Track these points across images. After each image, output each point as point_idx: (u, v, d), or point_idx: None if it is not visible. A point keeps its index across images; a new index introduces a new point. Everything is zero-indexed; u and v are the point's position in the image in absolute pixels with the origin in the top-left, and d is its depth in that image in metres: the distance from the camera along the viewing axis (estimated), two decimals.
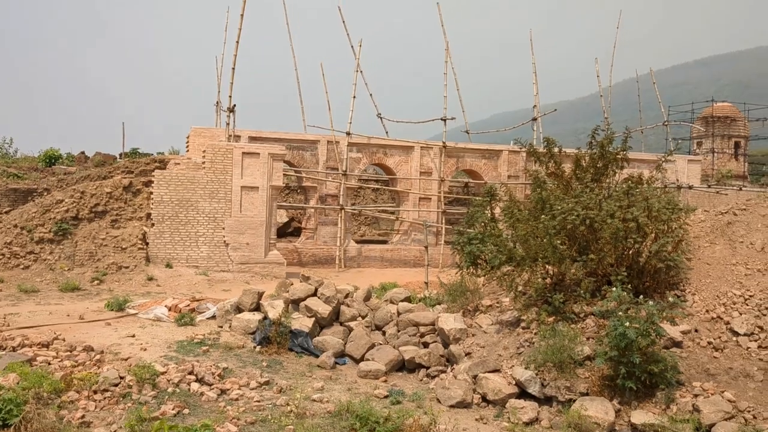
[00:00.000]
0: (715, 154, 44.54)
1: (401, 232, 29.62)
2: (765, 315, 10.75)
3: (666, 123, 36.00)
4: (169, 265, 21.70)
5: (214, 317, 15.02)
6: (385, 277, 23.35)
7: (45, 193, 25.03)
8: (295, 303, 14.35)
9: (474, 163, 30.79)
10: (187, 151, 27.26)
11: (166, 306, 15.73)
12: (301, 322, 13.47)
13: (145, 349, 12.23)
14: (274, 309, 13.76)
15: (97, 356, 11.70)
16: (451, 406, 10.39)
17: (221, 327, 14.20)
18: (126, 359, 11.50)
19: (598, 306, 10.92)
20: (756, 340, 10.49)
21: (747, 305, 11.07)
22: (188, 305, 15.78)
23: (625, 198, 12.17)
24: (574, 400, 9.83)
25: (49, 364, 10.92)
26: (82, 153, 37.36)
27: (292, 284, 15.29)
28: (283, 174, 24.83)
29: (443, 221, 29.43)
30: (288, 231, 32.12)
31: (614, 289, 10.57)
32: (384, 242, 30.89)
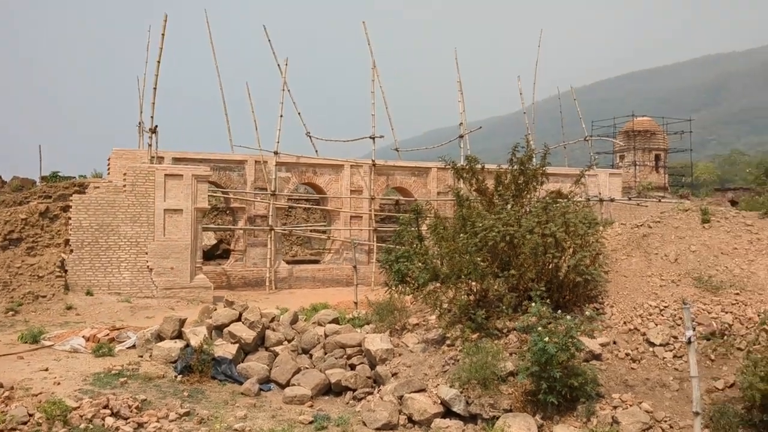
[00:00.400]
0: (637, 167, 46.11)
1: (333, 251, 29.44)
2: (679, 325, 11.04)
3: (587, 138, 37.04)
4: (89, 293, 20.89)
5: (134, 346, 14.49)
6: (317, 297, 23.10)
7: None
8: (218, 329, 13.99)
9: (404, 180, 30.94)
10: (109, 173, 26.45)
11: (83, 336, 15.08)
12: (225, 349, 13.13)
13: (59, 383, 11.65)
14: (197, 336, 13.37)
15: (6, 393, 11.04)
16: (377, 429, 10.26)
17: (141, 356, 13.70)
18: (37, 395, 10.91)
19: (520, 321, 11.01)
20: (671, 350, 10.76)
21: (662, 316, 11.36)
22: (107, 335, 15.18)
23: (544, 213, 12.36)
24: (498, 417, 9.85)
25: None
26: None
27: (215, 310, 14.92)
28: (210, 195, 24.37)
29: (375, 239, 29.40)
30: (216, 253, 31.49)
31: (534, 303, 10.68)
32: (316, 262, 30.63)
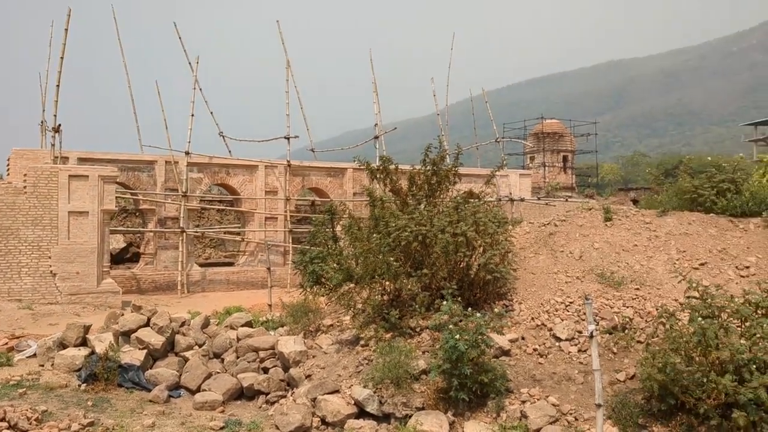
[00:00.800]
0: (546, 168, 47.66)
1: (248, 253, 29.00)
2: (584, 320, 11.43)
3: (499, 140, 37.96)
4: None
5: (35, 355, 13.81)
6: (231, 300, 22.70)
7: None
8: (125, 335, 13.51)
9: (320, 181, 30.83)
10: (8, 174, 25.13)
11: None
12: (132, 355, 12.70)
13: None
14: (102, 343, 12.89)
15: None
16: None
17: (43, 366, 13.08)
18: None
19: (432, 320, 11.13)
20: (576, 345, 11.13)
21: (568, 311, 11.74)
22: (6, 343, 14.45)
23: (455, 213, 12.56)
24: (411, 416, 9.92)
25: None
26: None
27: (122, 315, 14.40)
28: (118, 197, 23.53)
29: (290, 240, 29.14)
30: (126, 257, 30.47)
31: (446, 302, 10.82)
32: (230, 264, 30.07)
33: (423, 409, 10.12)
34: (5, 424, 9.76)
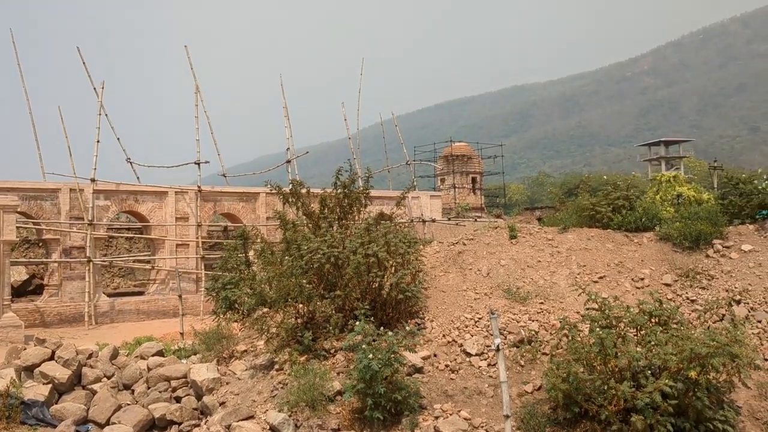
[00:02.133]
0: (456, 189, 48.86)
1: (158, 281, 28.29)
2: (492, 335, 11.86)
3: (409, 162, 38.73)
4: None
5: None
6: (142, 330, 22.09)
7: None
8: (28, 370, 12.98)
9: (232, 206, 30.51)
10: None
11: None
12: (36, 391, 12.21)
13: None
14: (3, 379, 12.34)
15: None
16: None
17: None
18: None
19: (346, 341, 11.28)
20: (486, 359, 11.53)
21: (477, 327, 12.16)
22: None
23: (366, 234, 12.80)
24: None
25: None
26: None
27: (25, 349, 13.82)
28: (19, 227, 22.55)
29: (202, 267, 28.65)
30: (29, 289, 29.06)
31: (359, 322, 11.01)
32: (141, 293, 29.23)
33: (339, 430, 10.23)
34: None
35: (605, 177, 19.05)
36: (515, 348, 11.48)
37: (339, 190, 15.26)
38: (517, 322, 12.19)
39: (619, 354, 9.28)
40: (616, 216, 15.72)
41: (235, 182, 33.16)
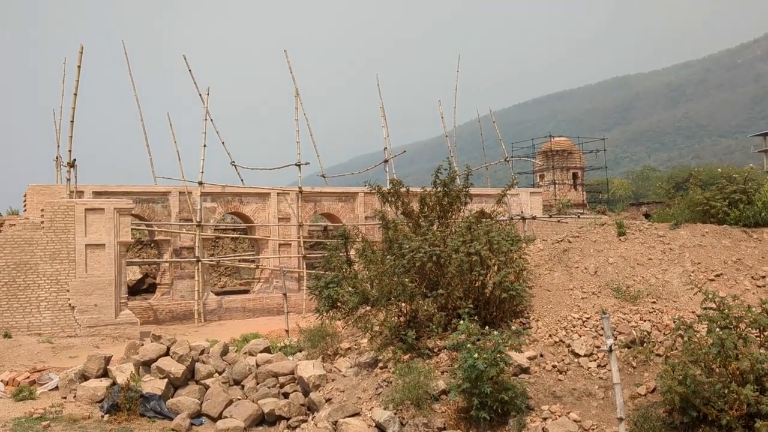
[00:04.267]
0: (556, 185, 47.68)
1: (263, 280, 29.15)
2: (601, 335, 11.46)
3: (507, 159, 38.13)
4: (7, 335, 19.95)
5: (57, 388, 13.94)
6: (248, 327, 22.82)
7: None
8: (146, 365, 13.64)
9: (331, 206, 31.02)
10: (25, 210, 25.45)
11: (1, 380, 14.41)
12: (153, 385, 12.81)
13: None
14: (123, 373, 13.02)
15: None
16: None
17: (65, 398, 13.21)
18: None
19: (450, 340, 11.19)
20: (595, 360, 11.15)
21: (585, 327, 11.77)
22: (27, 377, 14.57)
23: (468, 233, 12.66)
24: None
25: None
26: None
27: (142, 345, 14.53)
28: (134, 228, 23.78)
29: (304, 266, 29.29)
30: (142, 288, 30.67)
31: (462, 321, 10.89)
32: (246, 292, 30.24)
33: (444, 429, 10.16)
34: None
35: (719, 170, 18.00)
36: (627, 349, 11.02)
37: (439, 189, 15.17)
38: (628, 322, 11.71)
39: (740, 356, 8.73)
40: (733, 211, 14.82)
41: (333, 182, 33.72)
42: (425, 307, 12.20)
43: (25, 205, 25.88)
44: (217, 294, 29.01)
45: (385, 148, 32.12)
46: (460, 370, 10.14)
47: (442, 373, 11.31)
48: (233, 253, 35.47)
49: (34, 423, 11.70)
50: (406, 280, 12.02)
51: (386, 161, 31.86)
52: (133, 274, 30.57)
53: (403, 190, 15.62)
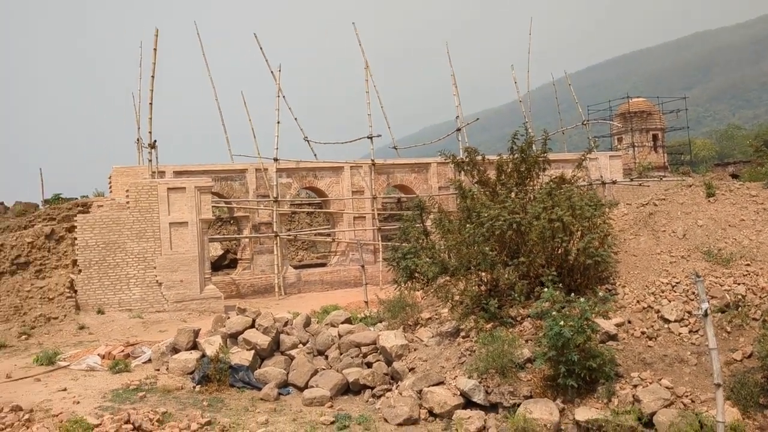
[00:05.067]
0: (636, 148, 46.08)
1: (339, 253, 29.49)
2: (692, 300, 11.05)
3: (585, 122, 37.04)
4: (100, 311, 20.93)
5: (150, 360, 14.52)
6: (327, 299, 23.16)
7: None
8: (233, 337, 14.03)
9: (404, 177, 30.96)
10: (111, 191, 26.43)
11: (98, 354, 15.11)
12: (241, 356, 13.17)
13: (78, 402, 11.70)
14: (212, 345, 13.43)
15: (26, 416, 11.07)
16: (399, 424, 10.29)
17: (158, 370, 13.75)
18: (57, 415, 10.96)
19: (533, 308, 11.03)
20: (686, 326, 10.78)
21: (675, 292, 11.37)
22: (122, 351, 15.22)
23: (549, 199, 12.37)
24: (519, 404, 9.88)
25: None
26: (1, 204, 35.95)
27: (228, 318, 14.95)
28: (214, 206, 24.39)
29: (379, 238, 29.43)
30: (224, 263, 31.52)
31: (546, 289, 10.69)
32: (323, 265, 30.65)
33: (531, 397, 10.06)
34: (130, 426, 10.32)
35: None
36: (721, 313, 10.61)
37: (516, 155, 14.85)
38: (721, 285, 11.24)
39: None
40: None
41: (404, 154, 33.58)
42: (506, 276, 12.04)
43: (110, 187, 26.88)
44: (295, 267, 29.54)
45: (457, 117, 31.74)
46: (545, 338, 9.99)
47: (527, 341, 11.18)
48: (309, 227, 35.97)
49: (131, 394, 12.22)
50: (487, 248, 11.87)
51: (459, 130, 31.49)
52: (215, 250, 31.43)
53: (478, 158, 15.38)
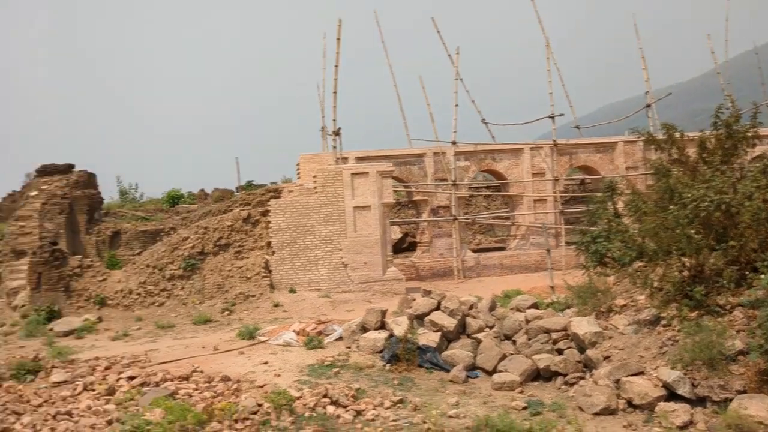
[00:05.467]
0: None
1: (518, 236, 28.98)
2: None
3: None
4: (292, 290, 22.20)
5: (340, 338, 15.13)
6: (506, 284, 22.88)
7: (171, 232, 26.38)
8: (419, 318, 14.22)
9: (588, 158, 29.69)
10: (299, 177, 27.90)
11: (293, 331, 16.01)
12: (428, 338, 13.31)
13: (279, 375, 12.46)
14: (399, 326, 13.71)
15: (235, 385, 11.96)
16: (595, 414, 9.89)
17: (349, 348, 14.28)
18: (262, 386, 11.74)
19: (746, 296, 10.09)
20: None
21: None
22: (315, 328, 15.99)
23: (763, 177, 11.23)
24: (731, 399, 9.11)
25: (190, 396, 11.28)
26: (202, 190, 39.24)
27: (414, 300, 15.18)
28: (393, 190, 24.92)
29: (562, 222, 28.55)
30: (403, 246, 32.16)
31: (762, 276, 9.73)
32: (501, 249, 30.34)
33: (744, 392, 9.23)
34: (328, 400, 10.80)
35: None
36: None
37: (720, 130, 13.62)
38: None
39: None
40: None
41: (586, 133, 32.18)
42: (712, 261, 11.11)
43: (298, 173, 28.36)
44: (473, 251, 29.48)
45: (647, 92, 29.87)
46: (761, 328, 9.10)
47: (738, 332, 10.26)
48: (486, 210, 35.71)
49: (326, 369, 12.80)
50: (692, 231, 11.02)
51: (648, 106, 29.66)
52: (394, 233, 32.15)
53: (677, 134, 14.31)
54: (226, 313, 20.76)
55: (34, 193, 27.17)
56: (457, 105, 28.38)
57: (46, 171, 28.44)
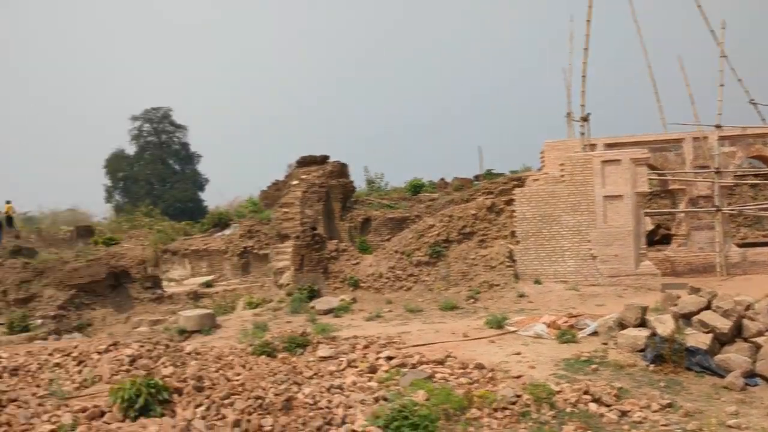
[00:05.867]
0: None
1: None
2: None
3: None
4: (537, 281, 21.73)
5: (594, 333, 14.42)
6: None
7: (417, 220, 27.24)
8: (684, 317, 13.04)
9: None
10: (542, 166, 27.23)
11: (544, 323, 15.60)
12: (696, 339, 12.15)
13: (533, 367, 12.17)
14: (663, 324, 12.69)
15: (489, 374, 11.87)
16: None
17: (605, 344, 13.54)
18: (517, 377, 11.52)
19: None
20: None
21: None
22: (566, 321, 15.43)
23: None
24: None
25: (447, 380, 11.41)
26: (442, 179, 40.05)
27: (678, 297, 13.98)
28: (647, 179, 23.30)
29: None
30: (655, 239, 30.04)
31: None
32: None
33: None
34: (589, 397, 10.28)
35: None
36: None
37: None
38: None
39: None
40: None
41: None
42: None
43: (542, 161, 27.70)
44: (738, 246, 26.61)
45: None
46: None
47: None
48: (752, 201, 32.07)
49: (583, 365, 12.25)
50: None
51: None
52: (646, 225, 30.16)
53: None
54: (471, 300, 20.89)
55: (295, 182, 29.73)
56: (722, 85, 25.74)
57: (305, 162, 30.99)
